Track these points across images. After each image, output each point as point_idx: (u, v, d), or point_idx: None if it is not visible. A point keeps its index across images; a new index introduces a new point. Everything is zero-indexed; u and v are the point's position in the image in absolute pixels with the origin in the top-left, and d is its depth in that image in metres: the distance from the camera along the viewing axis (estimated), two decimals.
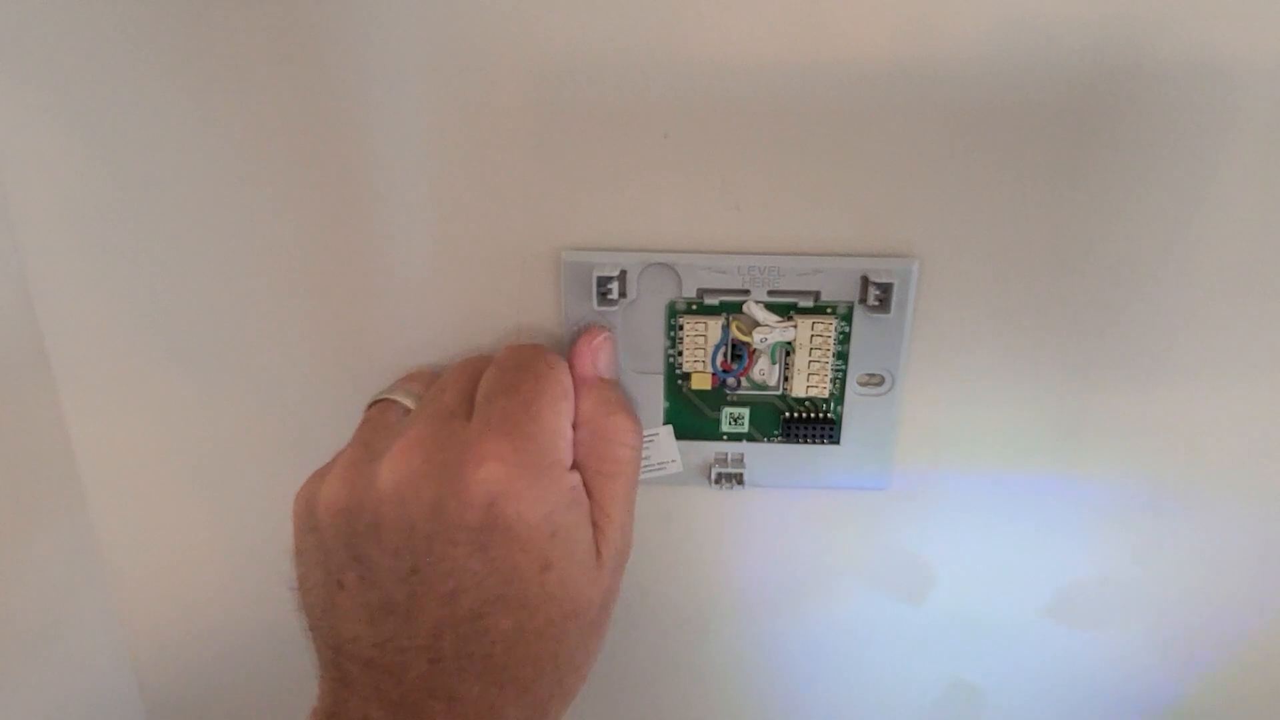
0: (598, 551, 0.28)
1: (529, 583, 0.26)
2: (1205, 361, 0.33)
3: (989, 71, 0.28)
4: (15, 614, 0.36)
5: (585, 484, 0.29)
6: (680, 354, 0.33)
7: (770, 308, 0.32)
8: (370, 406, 0.31)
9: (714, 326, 0.32)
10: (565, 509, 0.27)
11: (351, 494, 0.27)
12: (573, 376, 0.31)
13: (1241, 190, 0.30)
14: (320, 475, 0.29)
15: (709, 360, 0.33)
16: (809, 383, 0.33)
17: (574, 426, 0.30)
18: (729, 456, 0.34)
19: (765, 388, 0.33)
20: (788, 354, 0.32)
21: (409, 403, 0.30)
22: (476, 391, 0.29)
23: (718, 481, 0.34)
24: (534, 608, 0.26)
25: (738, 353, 0.32)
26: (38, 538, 0.36)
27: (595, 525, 0.28)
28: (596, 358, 0.31)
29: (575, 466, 0.29)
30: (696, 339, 0.32)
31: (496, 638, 0.26)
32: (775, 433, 0.34)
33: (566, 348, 0.33)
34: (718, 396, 0.33)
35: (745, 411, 0.34)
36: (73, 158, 0.31)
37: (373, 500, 0.26)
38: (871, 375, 0.33)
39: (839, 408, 0.33)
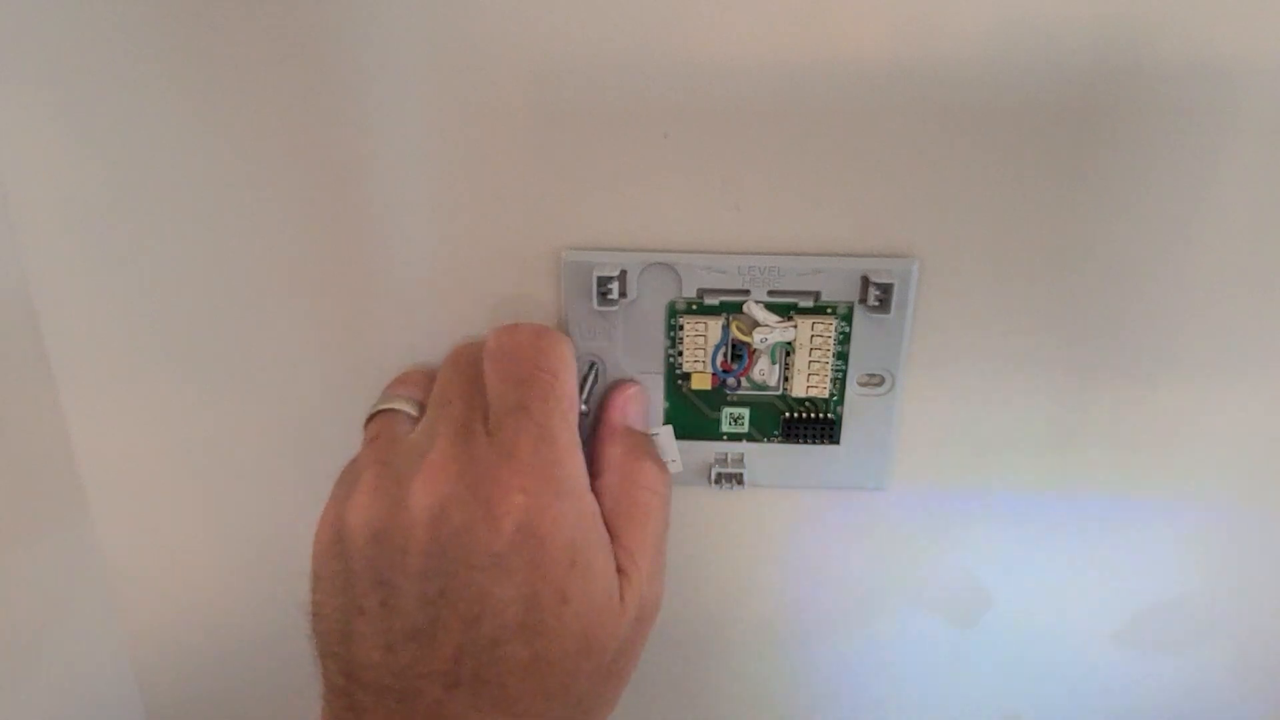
0: (621, 596, 0.28)
1: (547, 613, 0.26)
2: (1210, 361, 0.33)
3: (989, 71, 0.28)
4: (15, 615, 0.36)
5: (612, 526, 0.29)
6: (680, 354, 0.33)
7: (770, 308, 0.32)
8: (370, 419, 0.31)
9: (714, 326, 0.32)
10: (585, 534, 0.27)
11: (382, 518, 0.27)
12: (603, 425, 0.31)
13: (1242, 190, 0.30)
14: (342, 499, 0.28)
15: (709, 360, 0.33)
16: (809, 383, 0.33)
17: (602, 471, 0.30)
18: (729, 456, 0.34)
19: (765, 388, 0.33)
20: (788, 354, 0.32)
21: (411, 410, 0.30)
22: (483, 394, 0.29)
23: (718, 481, 0.34)
24: (550, 638, 0.26)
25: (738, 353, 0.32)
26: (38, 538, 0.36)
27: (621, 570, 0.28)
28: (627, 409, 0.32)
29: (601, 507, 0.29)
30: (696, 339, 0.32)
31: (513, 666, 0.26)
32: (775, 433, 0.34)
33: (611, 385, 0.32)
34: (718, 396, 0.33)
35: (745, 412, 0.34)
36: (73, 158, 0.31)
37: (405, 524, 0.26)
38: (871, 375, 0.33)
39: (839, 408, 0.33)
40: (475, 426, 0.28)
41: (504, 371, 0.29)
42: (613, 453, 0.30)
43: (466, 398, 0.29)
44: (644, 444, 0.32)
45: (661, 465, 0.31)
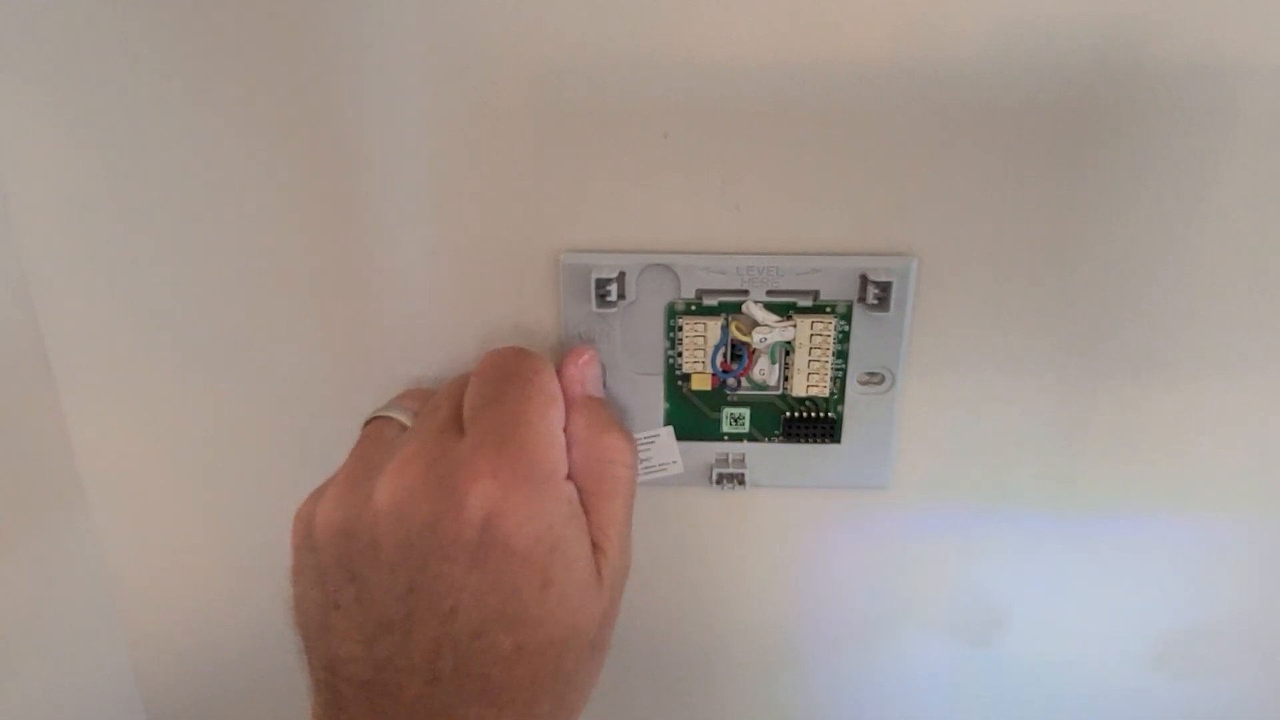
0: (598, 571, 0.28)
1: (529, 600, 0.26)
2: (1209, 360, 0.33)
3: (988, 71, 0.28)
4: (16, 615, 0.36)
5: (582, 503, 0.28)
6: (680, 355, 0.33)
7: (769, 307, 0.32)
8: (367, 424, 0.31)
9: (713, 327, 0.32)
10: (564, 522, 0.27)
11: (349, 512, 0.26)
12: (567, 395, 0.30)
13: (1242, 190, 0.30)
14: (318, 494, 0.28)
15: (709, 361, 0.33)
16: (809, 382, 0.33)
17: (568, 447, 0.29)
18: (730, 457, 0.34)
19: (765, 387, 0.33)
20: (787, 353, 0.32)
21: (405, 419, 0.30)
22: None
23: (719, 482, 0.34)
24: (534, 626, 0.26)
25: (737, 353, 0.32)
26: (38, 539, 0.36)
27: (595, 545, 0.28)
28: (584, 376, 0.31)
29: (571, 483, 0.29)
30: (696, 339, 0.32)
31: (496, 657, 0.25)
32: (776, 432, 0.34)
33: (563, 352, 0.33)
34: (718, 397, 0.33)
35: (746, 412, 0.34)
36: (74, 159, 0.31)
37: (369, 517, 0.26)
38: (871, 374, 0.33)
39: (839, 407, 0.33)
40: (452, 428, 0.28)
41: (485, 375, 0.29)
42: (575, 426, 0.29)
43: (453, 407, 0.29)
44: (605, 413, 0.30)
45: (625, 433, 0.30)
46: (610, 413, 0.31)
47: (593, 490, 0.28)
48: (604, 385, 0.33)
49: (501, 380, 0.28)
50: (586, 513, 0.28)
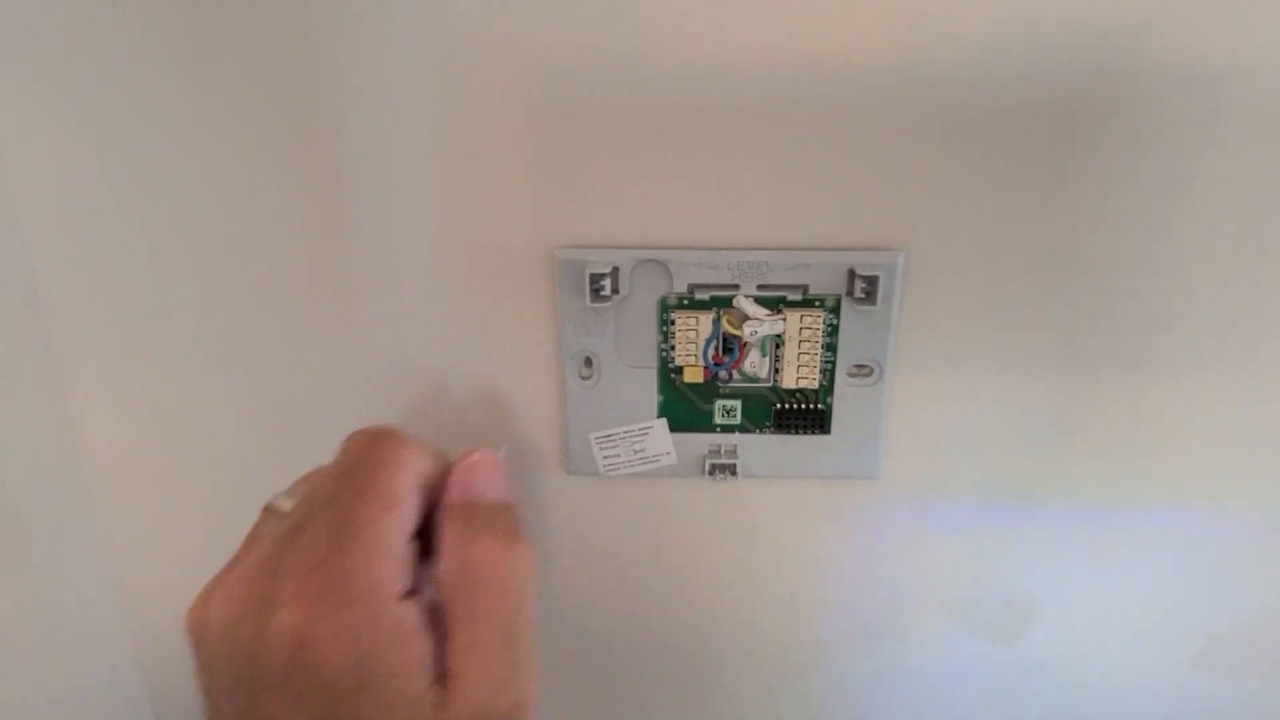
0: (444, 705, 0.24)
1: None
2: (1194, 355, 0.33)
3: (975, 73, 0.29)
4: (23, 613, 0.36)
5: (449, 619, 0.25)
6: (672, 348, 0.33)
7: (760, 301, 0.32)
8: (264, 509, 0.29)
9: (705, 321, 0.33)
10: (381, 653, 0.24)
11: (199, 618, 0.25)
12: (439, 507, 0.27)
13: (1228, 189, 0.30)
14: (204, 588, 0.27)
15: (700, 354, 0.33)
16: (799, 374, 0.33)
17: (440, 557, 0.26)
18: (722, 448, 0.35)
19: (756, 380, 0.34)
20: (778, 346, 0.33)
21: (288, 507, 0.27)
22: None
23: (711, 473, 0.35)
24: None
25: (729, 346, 0.33)
26: (45, 538, 0.37)
27: (451, 674, 0.24)
28: (469, 482, 0.27)
29: (442, 598, 0.25)
30: (688, 333, 0.33)
31: None
32: (767, 424, 0.34)
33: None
34: (710, 389, 0.34)
35: (737, 404, 0.34)
36: (78, 159, 0.32)
37: (209, 636, 0.25)
38: (860, 366, 0.33)
39: (829, 398, 0.34)
40: (295, 532, 0.25)
41: (335, 467, 0.26)
42: (448, 534, 0.26)
43: (309, 502, 0.26)
44: (483, 517, 0.27)
45: (509, 537, 0.26)
46: (497, 516, 0.27)
47: (462, 605, 0.25)
48: (505, 485, 0.28)
49: (341, 477, 0.26)
50: (450, 632, 0.25)
